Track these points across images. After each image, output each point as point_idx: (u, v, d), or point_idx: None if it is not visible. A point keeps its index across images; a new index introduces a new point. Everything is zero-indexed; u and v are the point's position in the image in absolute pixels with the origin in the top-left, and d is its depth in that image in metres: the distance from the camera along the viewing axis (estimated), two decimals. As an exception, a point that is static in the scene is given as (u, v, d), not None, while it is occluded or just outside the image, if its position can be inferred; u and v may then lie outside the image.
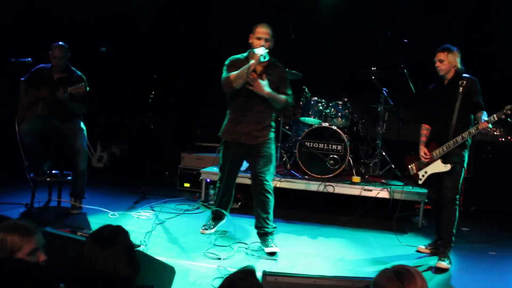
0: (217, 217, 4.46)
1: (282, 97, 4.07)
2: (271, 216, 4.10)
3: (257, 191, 4.08)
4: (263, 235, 4.09)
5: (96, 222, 4.53)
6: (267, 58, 3.90)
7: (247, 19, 4.24)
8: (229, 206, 4.45)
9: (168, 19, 7.36)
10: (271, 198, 4.09)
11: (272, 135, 4.15)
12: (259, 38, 3.99)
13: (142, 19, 7.34)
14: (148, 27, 7.36)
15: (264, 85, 3.92)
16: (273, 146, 4.16)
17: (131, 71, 7.27)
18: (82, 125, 4.94)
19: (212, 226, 4.47)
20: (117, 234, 1.97)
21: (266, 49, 3.92)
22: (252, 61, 3.85)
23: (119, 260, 1.90)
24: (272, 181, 4.21)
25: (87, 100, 4.86)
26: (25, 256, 1.88)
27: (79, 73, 4.89)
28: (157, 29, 7.36)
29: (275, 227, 4.17)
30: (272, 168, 4.14)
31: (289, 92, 4.14)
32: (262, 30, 4.01)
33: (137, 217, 4.85)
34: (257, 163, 4.06)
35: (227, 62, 4.15)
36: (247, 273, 1.78)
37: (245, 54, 4.12)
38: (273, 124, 4.18)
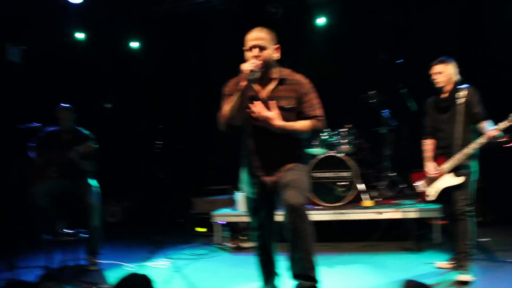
0: None
1: (304, 124, 3.00)
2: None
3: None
4: None
5: (113, 276, 4.53)
6: (255, 76, 2.85)
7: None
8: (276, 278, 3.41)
9: (168, 68, 7.59)
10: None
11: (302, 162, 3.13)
12: (249, 49, 2.97)
13: (143, 72, 7.57)
14: (149, 79, 7.59)
15: (273, 118, 2.91)
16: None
17: (135, 123, 7.46)
18: (93, 181, 5.04)
19: None
20: (144, 283, 1.96)
21: (264, 60, 2.92)
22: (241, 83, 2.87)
23: None
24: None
25: (96, 157, 4.98)
26: None
27: (86, 131, 5.04)
28: (158, 80, 7.58)
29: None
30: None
31: (317, 113, 3.04)
32: (252, 36, 2.97)
33: (154, 267, 4.86)
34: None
35: (224, 89, 3.17)
36: None
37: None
38: (301, 151, 3.15)
